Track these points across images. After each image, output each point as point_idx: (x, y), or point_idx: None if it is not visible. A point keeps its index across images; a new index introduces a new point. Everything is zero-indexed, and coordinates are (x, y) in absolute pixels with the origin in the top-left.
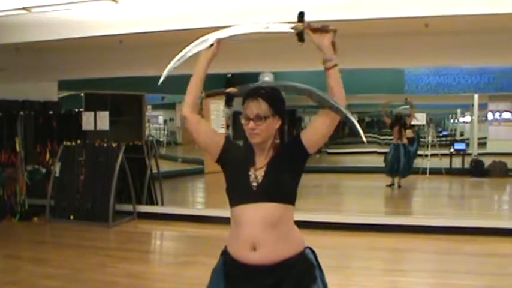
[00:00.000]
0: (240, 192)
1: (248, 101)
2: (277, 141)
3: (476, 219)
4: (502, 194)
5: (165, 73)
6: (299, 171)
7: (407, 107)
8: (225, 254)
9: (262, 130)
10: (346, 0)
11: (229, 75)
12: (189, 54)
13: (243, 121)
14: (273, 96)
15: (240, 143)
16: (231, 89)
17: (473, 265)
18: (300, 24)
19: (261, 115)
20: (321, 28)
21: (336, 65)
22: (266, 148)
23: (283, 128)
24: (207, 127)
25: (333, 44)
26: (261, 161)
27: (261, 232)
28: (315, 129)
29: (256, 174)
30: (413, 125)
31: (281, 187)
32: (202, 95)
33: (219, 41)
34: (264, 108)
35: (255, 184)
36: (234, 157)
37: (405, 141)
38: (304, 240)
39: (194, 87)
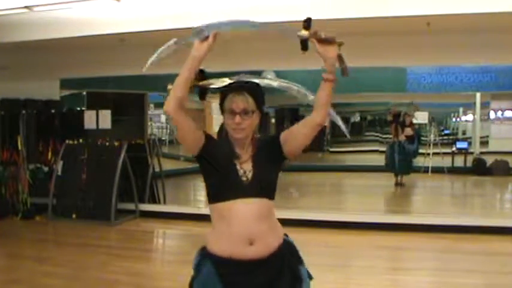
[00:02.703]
0: (229, 187)
1: (232, 95)
2: (257, 135)
3: (478, 218)
4: (504, 192)
5: (149, 62)
6: (278, 170)
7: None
8: (210, 256)
9: (248, 125)
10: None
11: (201, 68)
12: (181, 42)
13: (225, 115)
14: (257, 90)
15: None
16: (204, 82)
17: (474, 263)
18: (305, 31)
19: (248, 109)
20: (328, 39)
21: (333, 81)
22: (247, 143)
23: (261, 122)
24: (191, 122)
25: (340, 57)
26: (243, 154)
27: (256, 226)
28: (295, 139)
29: (244, 168)
30: (414, 123)
31: (269, 183)
32: (169, 87)
33: (216, 34)
34: (251, 103)
35: (244, 179)
36: (216, 152)
37: (402, 138)
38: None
39: (182, 86)
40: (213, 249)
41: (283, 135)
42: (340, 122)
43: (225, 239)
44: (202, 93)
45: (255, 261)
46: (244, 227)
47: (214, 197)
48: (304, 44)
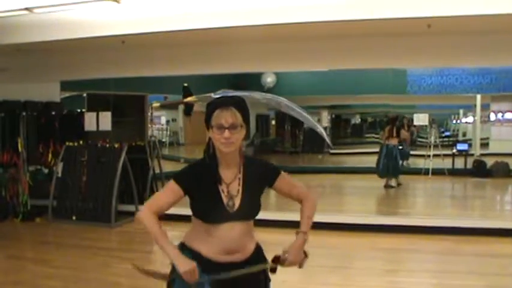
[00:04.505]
0: (214, 213)
1: (220, 110)
2: (243, 149)
3: (478, 220)
4: (504, 194)
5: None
6: (262, 192)
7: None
8: (190, 250)
9: (237, 139)
10: (348, 1)
11: (186, 84)
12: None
13: (213, 131)
14: (243, 105)
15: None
16: (189, 99)
17: (474, 265)
18: (272, 264)
19: (236, 124)
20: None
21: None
22: (235, 157)
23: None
24: (167, 203)
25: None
26: (230, 174)
27: (238, 242)
28: (285, 192)
29: (230, 192)
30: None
31: (255, 210)
32: (157, 105)
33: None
34: (239, 117)
35: (230, 205)
36: (199, 186)
37: (392, 142)
38: None
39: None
40: (193, 246)
41: (279, 182)
42: (322, 132)
43: (208, 245)
44: (188, 109)
45: (233, 264)
46: (226, 243)
47: (198, 217)
48: (273, 270)
